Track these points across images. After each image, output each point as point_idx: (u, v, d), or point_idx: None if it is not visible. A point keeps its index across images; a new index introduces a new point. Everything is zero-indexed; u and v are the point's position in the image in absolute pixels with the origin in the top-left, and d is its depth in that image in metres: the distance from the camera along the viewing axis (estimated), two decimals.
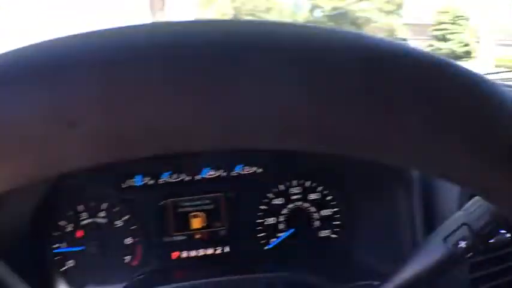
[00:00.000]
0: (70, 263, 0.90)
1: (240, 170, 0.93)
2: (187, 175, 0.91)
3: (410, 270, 0.57)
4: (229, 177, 0.92)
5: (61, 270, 0.91)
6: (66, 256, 0.91)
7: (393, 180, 0.83)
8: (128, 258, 0.90)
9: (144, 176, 0.91)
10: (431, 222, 0.77)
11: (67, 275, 0.91)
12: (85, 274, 0.91)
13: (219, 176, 0.92)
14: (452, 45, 10.85)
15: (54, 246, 0.90)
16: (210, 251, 0.92)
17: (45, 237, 0.90)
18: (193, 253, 0.91)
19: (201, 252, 0.92)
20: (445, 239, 0.52)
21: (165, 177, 0.91)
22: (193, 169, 0.91)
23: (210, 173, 0.92)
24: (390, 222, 0.85)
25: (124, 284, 0.87)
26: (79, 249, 0.90)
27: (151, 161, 0.90)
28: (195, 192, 0.91)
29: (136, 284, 0.87)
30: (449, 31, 11.07)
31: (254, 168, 0.93)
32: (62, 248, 0.90)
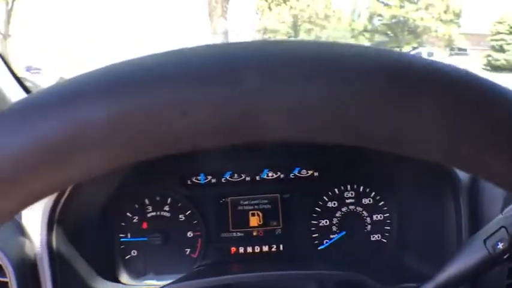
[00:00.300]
0: (133, 253, 0.96)
1: (298, 172, 0.97)
2: (248, 175, 0.96)
3: (451, 270, 0.61)
4: (287, 179, 0.97)
5: (125, 258, 0.97)
6: (130, 246, 0.96)
7: (442, 185, 0.86)
8: (188, 250, 0.96)
9: (208, 174, 0.96)
10: (476, 225, 0.81)
11: (130, 264, 0.96)
12: (146, 264, 0.97)
13: (277, 177, 0.97)
14: (508, 56, 10.67)
15: (121, 235, 0.96)
16: (265, 248, 0.97)
17: (113, 226, 0.96)
18: (249, 249, 0.96)
19: (257, 248, 0.96)
20: (485, 240, 0.56)
21: (227, 177, 0.96)
22: (254, 170, 0.96)
23: (269, 174, 0.97)
24: (438, 226, 0.88)
25: (183, 275, 0.93)
26: (142, 239, 0.96)
27: (215, 160, 0.96)
28: (254, 192, 0.96)
29: (195, 274, 0.92)
30: (506, 41, 10.87)
31: (311, 172, 0.97)
32: (127, 237, 0.96)
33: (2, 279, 0.77)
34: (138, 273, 0.97)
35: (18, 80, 1.08)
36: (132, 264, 0.96)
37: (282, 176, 0.97)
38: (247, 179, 0.96)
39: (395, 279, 0.85)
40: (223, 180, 0.96)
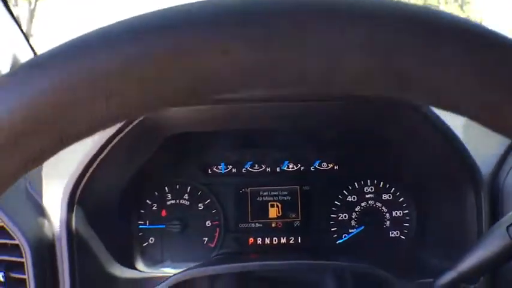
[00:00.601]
0: (151, 240, 0.97)
1: (318, 165, 0.97)
2: (268, 166, 0.97)
3: (473, 259, 0.60)
4: (308, 171, 0.97)
5: (142, 246, 0.97)
6: (148, 233, 0.97)
7: (463, 180, 0.85)
8: (205, 239, 0.96)
9: (229, 164, 0.97)
10: (497, 220, 0.80)
11: (147, 251, 0.97)
12: (163, 252, 0.97)
13: (298, 169, 0.97)
14: None
15: (140, 222, 0.97)
16: (283, 240, 0.96)
17: (132, 213, 0.97)
18: (267, 240, 0.96)
19: (275, 240, 0.96)
20: (508, 227, 0.56)
21: (247, 167, 0.97)
22: (274, 161, 0.96)
23: (289, 166, 0.97)
24: (458, 222, 0.87)
25: (200, 263, 0.93)
26: (161, 227, 0.96)
27: (236, 150, 0.96)
28: (274, 183, 0.96)
29: (213, 261, 0.93)
30: None
31: (331, 165, 0.97)
32: (146, 225, 0.97)
33: (18, 259, 0.78)
34: (154, 261, 0.97)
35: None
36: (150, 251, 0.97)
37: (302, 168, 0.97)
38: (268, 170, 0.97)
39: (414, 274, 0.84)
40: (243, 170, 0.97)
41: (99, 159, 0.77)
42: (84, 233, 0.81)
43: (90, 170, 0.77)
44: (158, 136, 0.86)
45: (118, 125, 0.76)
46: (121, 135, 0.76)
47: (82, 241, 0.80)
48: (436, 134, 0.76)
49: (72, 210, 0.78)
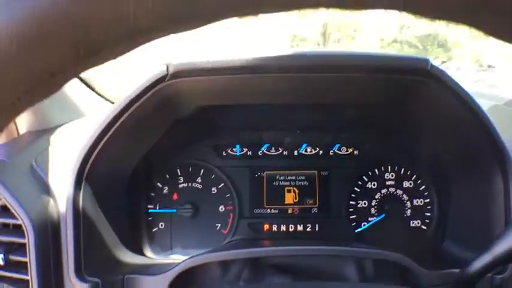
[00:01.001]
0: (161, 225, 0.92)
1: (337, 149, 0.93)
2: (286, 149, 0.92)
3: (500, 248, 0.56)
4: (326, 155, 0.93)
5: (151, 231, 0.92)
6: (158, 218, 0.92)
7: (490, 165, 0.80)
8: (218, 225, 0.91)
9: (244, 146, 0.92)
10: None
11: (156, 237, 0.92)
12: (173, 238, 0.92)
13: (316, 153, 0.93)
14: None
15: (149, 206, 0.92)
16: (300, 228, 0.92)
17: (141, 196, 0.91)
18: (283, 227, 0.91)
19: (291, 227, 0.92)
20: None
21: (263, 150, 0.92)
22: (292, 144, 0.92)
23: (308, 150, 0.92)
24: (484, 210, 0.83)
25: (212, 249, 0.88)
26: (171, 211, 0.91)
27: (253, 132, 0.91)
28: (291, 168, 0.92)
29: (226, 247, 0.88)
30: None
31: (351, 150, 0.93)
32: (155, 209, 0.92)
33: (19, 240, 0.73)
34: (164, 247, 0.92)
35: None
36: (159, 237, 0.92)
37: (321, 152, 0.93)
38: (285, 153, 0.92)
39: (436, 265, 0.80)
40: (259, 153, 0.92)
41: (110, 133, 0.71)
42: (91, 213, 0.75)
43: (101, 144, 0.72)
44: (172, 111, 0.81)
45: (131, 96, 0.70)
46: (136, 105, 0.70)
47: (89, 221, 0.74)
48: (462, 109, 0.70)
49: (80, 187, 0.72)
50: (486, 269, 0.61)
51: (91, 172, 0.73)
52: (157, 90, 0.71)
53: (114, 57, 0.24)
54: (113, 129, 0.71)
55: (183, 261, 0.72)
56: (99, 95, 1.12)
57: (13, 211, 0.74)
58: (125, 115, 0.71)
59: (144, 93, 0.70)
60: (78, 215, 0.72)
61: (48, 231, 0.73)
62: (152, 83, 0.69)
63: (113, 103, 1.03)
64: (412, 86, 0.72)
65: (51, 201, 0.78)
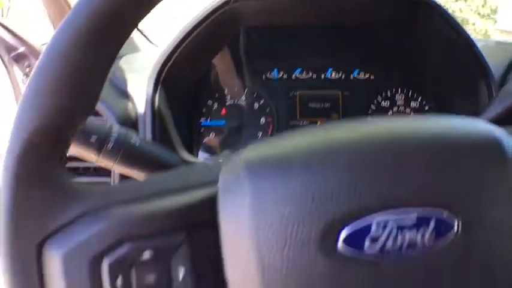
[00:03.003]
0: (211, 135, 1.11)
1: (357, 74, 1.13)
2: (314, 73, 1.12)
3: (501, 105, 0.71)
4: (347, 79, 1.13)
5: (203, 141, 1.11)
6: (209, 129, 1.11)
7: (477, 82, 0.94)
8: (260, 134, 1.10)
9: (280, 70, 1.12)
10: None
11: (207, 145, 1.11)
12: (222, 146, 1.11)
13: (339, 77, 1.13)
14: None
15: (202, 119, 1.11)
16: None
17: (195, 111, 1.11)
18: None
19: None
20: None
21: (296, 74, 1.12)
22: (320, 69, 1.12)
23: (332, 74, 1.13)
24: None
25: None
26: (221, 123, 1.10)
27: (288, 57, 1.11)
28: (319, 88, 1.12)
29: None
30: None
31: (368, 75, 1.13)
32: (207, 121, 1.11)
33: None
34: (214, 153, 1.11)
35: None
36: (210, 145, 1.11)
37: (343, 76, 1.13)
38: (314, 76, 1.12)
39: None
40: (293, 77, 1.12)
41: (185, 43, 0.91)
42: (164, 113, 0.94)
43: (177, 52, 0.91)
44: (227, 34, 1.01)
45: (202, 15, 0.90)
46: (206, 22, 0.90)
47: (162, 120, 0.93)
48: (453, 33, 0.92)
49: (157, 90, 0.91)
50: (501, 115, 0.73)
51: (166, 78, 0.92)
52: (221, 12, 0.91)
53: None
54: (187, 41, 0.91)
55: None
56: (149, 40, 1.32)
57: (97, 109, 0.92)
58: (196, 31, 0.91)
59: (212, 14, 0.91)
60: (155, 113, 0.91)
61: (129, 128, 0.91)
62: (220, 5, 0.90)
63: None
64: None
65: (130, 104, 0.97)
